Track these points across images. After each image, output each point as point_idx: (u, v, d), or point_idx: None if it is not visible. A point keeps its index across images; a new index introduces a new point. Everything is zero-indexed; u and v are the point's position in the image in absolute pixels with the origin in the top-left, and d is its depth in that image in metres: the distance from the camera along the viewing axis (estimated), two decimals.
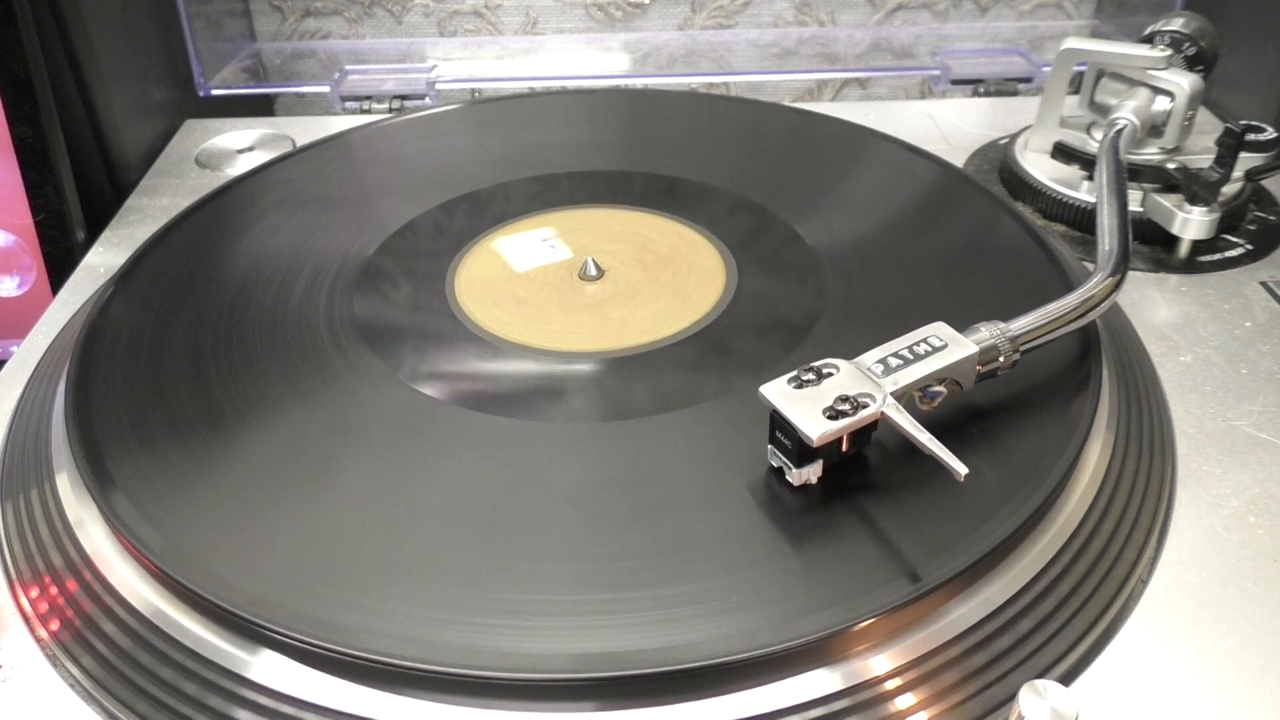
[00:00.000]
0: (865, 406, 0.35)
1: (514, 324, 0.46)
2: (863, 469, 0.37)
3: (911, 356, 0.37)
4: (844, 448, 0.36)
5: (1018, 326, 0.39)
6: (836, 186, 0.56)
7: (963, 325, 0.39)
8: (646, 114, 0.65)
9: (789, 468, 0.36)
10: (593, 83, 0.78)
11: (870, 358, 0.37)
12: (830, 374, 0.36)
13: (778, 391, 0.36)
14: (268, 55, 0.83)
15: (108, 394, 0.42)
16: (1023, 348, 0.39)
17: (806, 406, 0.35)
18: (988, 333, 0.38)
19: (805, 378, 0.36)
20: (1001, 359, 0.38)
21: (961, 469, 0.33)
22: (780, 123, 0.63)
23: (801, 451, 0.35)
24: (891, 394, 0.35)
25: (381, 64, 0.80)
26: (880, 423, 0.35)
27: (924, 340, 0.38)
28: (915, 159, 0.58)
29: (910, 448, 0.35)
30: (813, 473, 0.36)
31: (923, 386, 0.37)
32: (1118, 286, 0.42)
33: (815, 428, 0.34)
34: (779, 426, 0.36)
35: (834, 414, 0.35)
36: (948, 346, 0.37)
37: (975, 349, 0.37)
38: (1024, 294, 0.43)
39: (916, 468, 0.36)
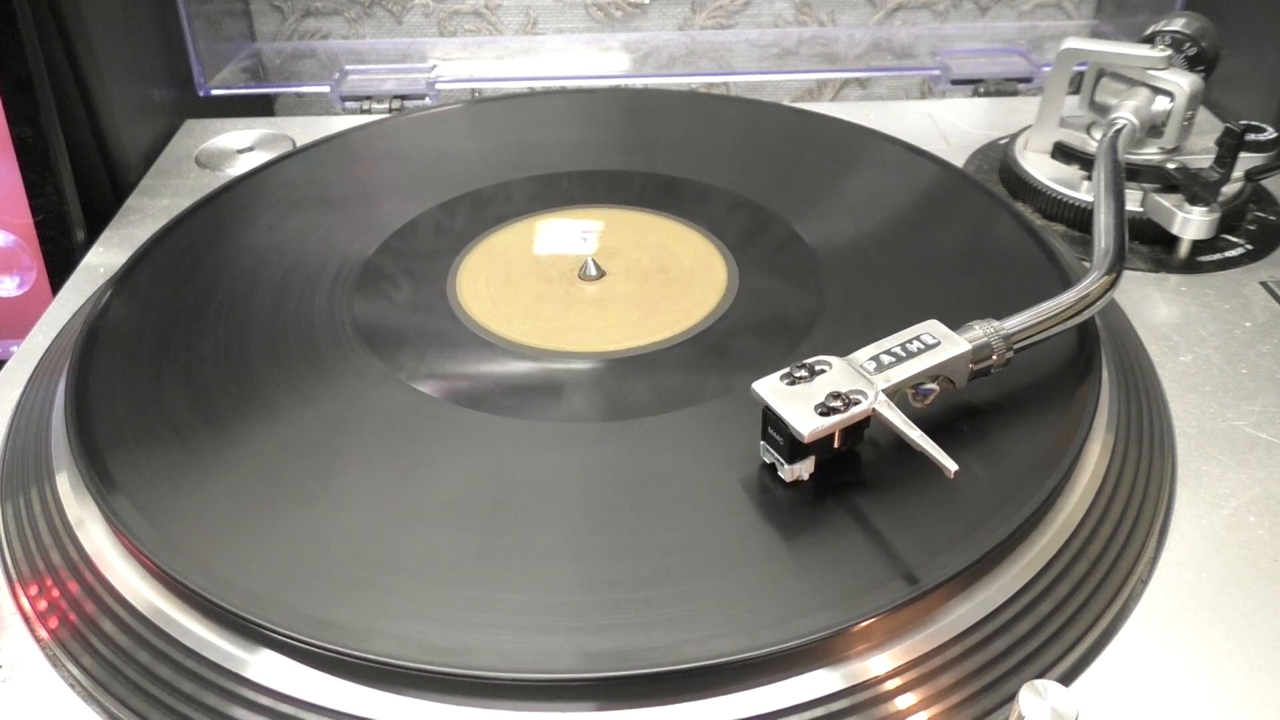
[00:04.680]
0: (857, 403, 0.35)
1: (502, 314, 0.47)
2: (864, 469, 0.37)
3: (904, 354, 0.37)
4: (836, 444, 0.36)
5: (1011, 325, 0.39)
6: (836, 186, 0.56)
7: (962, 325, 0.39)
8: (646, 114, 0.65)
9: (781, 464, 0.36)
10: (593, 83, 0.78)
11: (863, 355, 0.37)
12: (823, 371, 0.36)
13: (770, 388, 0.36)
14: (268, 55, 0.83)
15: (108, 394, 0.42)
16: (1016, 346, 0.39)
17: (798, 403, 0.35)
18: (981, 330, 0.38)
19: (798, 374, 0.36)
20: (994, 357, 0.38)
21: (951, 465, 0.33)
22: (780, 123, 0.63)
23: (793, 448, 0.35)
24: (883, 391, 0.35)
25: (381, 64, 0.80)
26: (875, 421, 0.35)
27: (917, 338, 0.38)
28: (915, 159, 0.58)
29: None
30: (805, 469, 0.36)
31: (915, 384, 0.37)
32: (1113, 285, 0.42)
33: (806, 424, 0.34)
34: (771, 423, 0.36)
35: (825, 410, 0.35)
36: (940, 344, 0.37)
37: (968, 347, 0.38)
38: (1024, 294, 0.43)
39: (920, 467, 0.36)
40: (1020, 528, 0.35)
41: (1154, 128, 0.56)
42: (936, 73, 0.77)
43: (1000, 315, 0.39)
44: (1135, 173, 0.54)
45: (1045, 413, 0.39)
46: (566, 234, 0.53)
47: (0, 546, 0.39)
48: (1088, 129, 0.59)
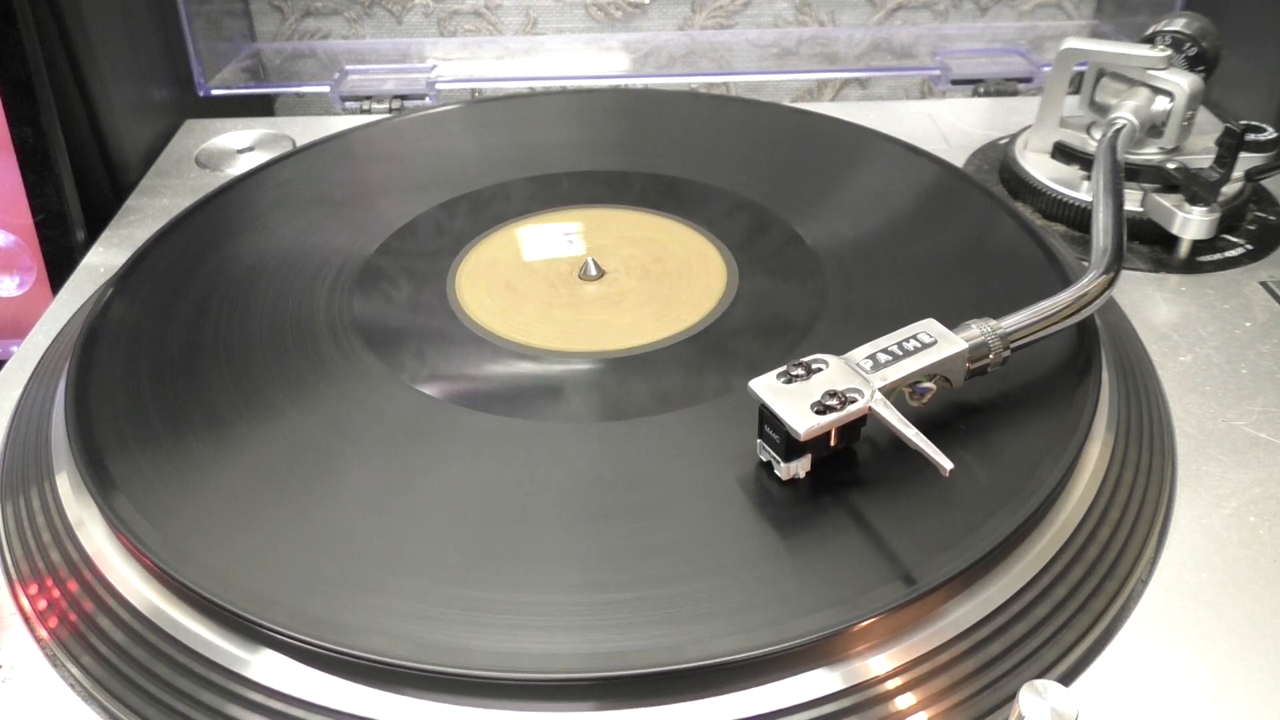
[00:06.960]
0: (853, 402, 0.35)
1: (502, 314, 0.47)
2: (861, 467, 0.37)
3: (900, 353, 0.37)
4: (832, 442, 0.36)
5: (1009, 324, 0.39)
6: (836, 186, 0.56)
7: (959, 324, 0.39)
8: (646, 114, 0.65)
9: (777, 462, 0.36)
10: (593, 83, 0.78)
11: (860, 353, 0.37)
12: (819, 369, 0.36)
13: (766, 386, 0.36)
14: (268, 55, 0.83)
15: (108, 394, 0.42)
16: (1013, 345, 0.39)
17: (794, 401, 0.35)
18: (978, 329, 0.38)
19: (794, 373, 0.36)
20: (991, 356, 0.38)
21: (947, 464, 0.33)
22: (780, 123, 0.63)
23: (789, 446, 0.35)
24: (880, 390, 0.36)
25: (381, 64, 0.80)
26: (872, 420, 0.36)
27: (913, 336, 0.38)
28: (915, 159, 0.58)
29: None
30: (801, 467, 0.36)
31: (912, 383, 0.37)
32: (1111, 284, 0.42)
33: (802, 422, 0.34)
34: (768, 421, 0.36)
35: (822, 409, 0.35)
36: (937, 343, 0.37)
37: (964, 345, 0.38)
38: (1024, 294, 0.43)
39: (918, 466, 0.36)
40: (1021, 527, 0.35)
41: (1154, 128, 0.56)
42: (936, 73, 0.77)
43: (1000, 315, 0.39)
44: (1135, 173, 0.54)
45: (1045, 412, 0.39)
46: (550, 238, 0.53)
47: (0, 546, 0.39)
48: (1088, 129, 0.59)
